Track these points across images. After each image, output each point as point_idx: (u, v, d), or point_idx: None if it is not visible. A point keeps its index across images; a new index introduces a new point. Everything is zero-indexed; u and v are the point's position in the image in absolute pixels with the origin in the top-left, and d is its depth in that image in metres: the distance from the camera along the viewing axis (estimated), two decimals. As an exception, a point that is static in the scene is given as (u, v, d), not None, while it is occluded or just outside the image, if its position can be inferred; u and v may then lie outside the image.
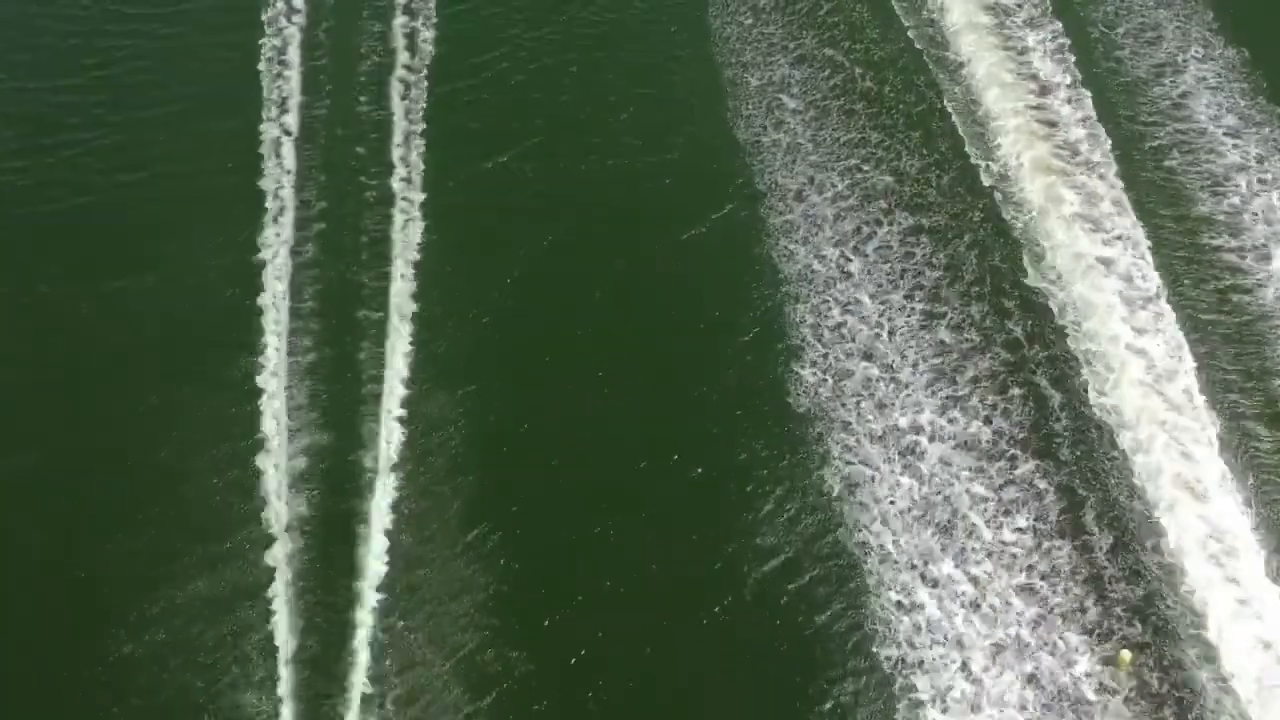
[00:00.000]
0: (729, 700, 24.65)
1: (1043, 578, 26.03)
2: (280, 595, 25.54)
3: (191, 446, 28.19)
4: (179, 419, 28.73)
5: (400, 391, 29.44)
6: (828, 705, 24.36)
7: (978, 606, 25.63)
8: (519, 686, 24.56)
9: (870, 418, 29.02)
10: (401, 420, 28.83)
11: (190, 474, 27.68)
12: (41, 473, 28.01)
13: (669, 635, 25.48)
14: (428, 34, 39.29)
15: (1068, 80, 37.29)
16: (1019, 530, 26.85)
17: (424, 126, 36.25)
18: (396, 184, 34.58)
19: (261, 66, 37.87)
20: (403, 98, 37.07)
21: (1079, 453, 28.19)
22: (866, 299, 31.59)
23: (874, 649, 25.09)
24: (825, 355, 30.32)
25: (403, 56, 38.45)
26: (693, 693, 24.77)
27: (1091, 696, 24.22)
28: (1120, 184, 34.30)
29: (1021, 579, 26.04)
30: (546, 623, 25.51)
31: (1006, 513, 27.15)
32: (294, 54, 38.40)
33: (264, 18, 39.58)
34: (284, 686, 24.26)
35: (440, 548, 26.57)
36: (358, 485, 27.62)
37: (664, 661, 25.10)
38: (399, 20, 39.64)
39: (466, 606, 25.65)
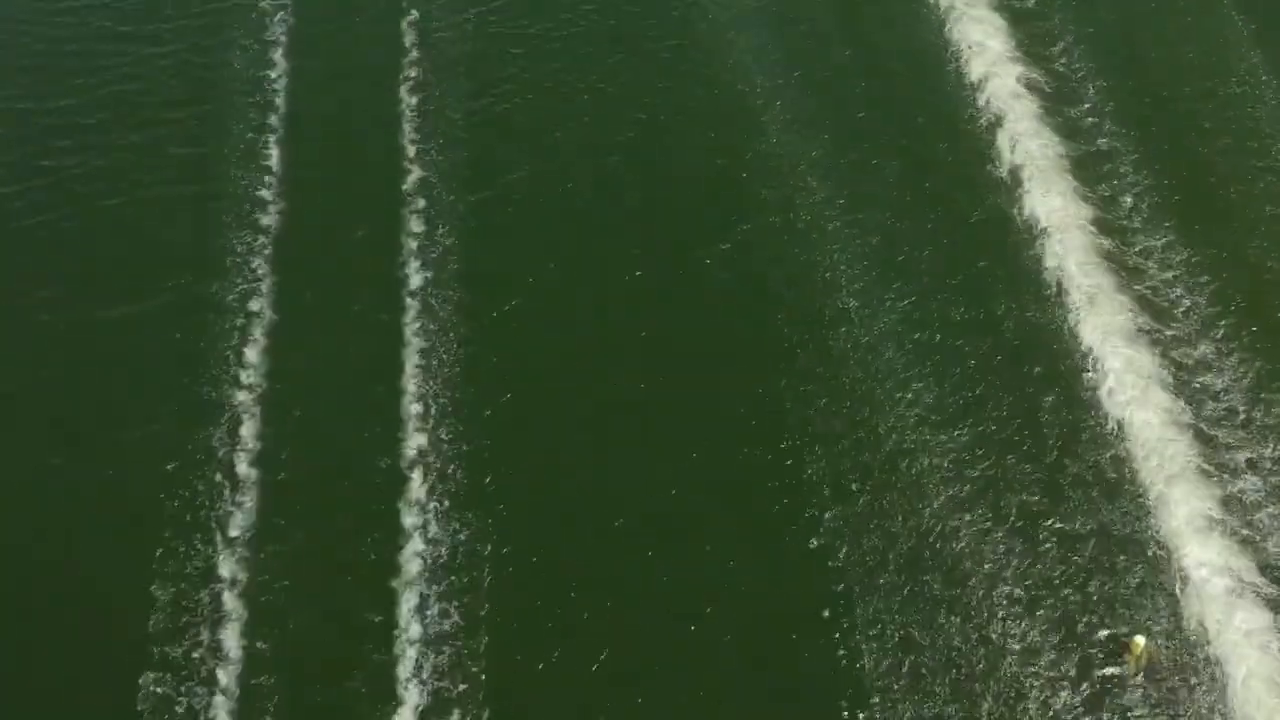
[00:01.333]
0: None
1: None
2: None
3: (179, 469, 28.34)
4: (170, 444, 28.82)
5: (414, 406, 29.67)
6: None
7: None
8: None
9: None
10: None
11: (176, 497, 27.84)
12: (36, 494, 28.10)
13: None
14: (437, 36, 39.59)
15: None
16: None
17: (425, 133, 36.38)
18: (399, 187, 34.86)
19: (257, 82, 38.00)
20: (403, 104, 37.22)
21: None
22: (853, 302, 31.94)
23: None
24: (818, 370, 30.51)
25: (404, 58, 38.70)
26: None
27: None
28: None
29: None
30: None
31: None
32: (290, 66, 38.64)
33: (259, 32, 39.67)
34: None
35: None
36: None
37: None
38: (396, 27, 39.78)
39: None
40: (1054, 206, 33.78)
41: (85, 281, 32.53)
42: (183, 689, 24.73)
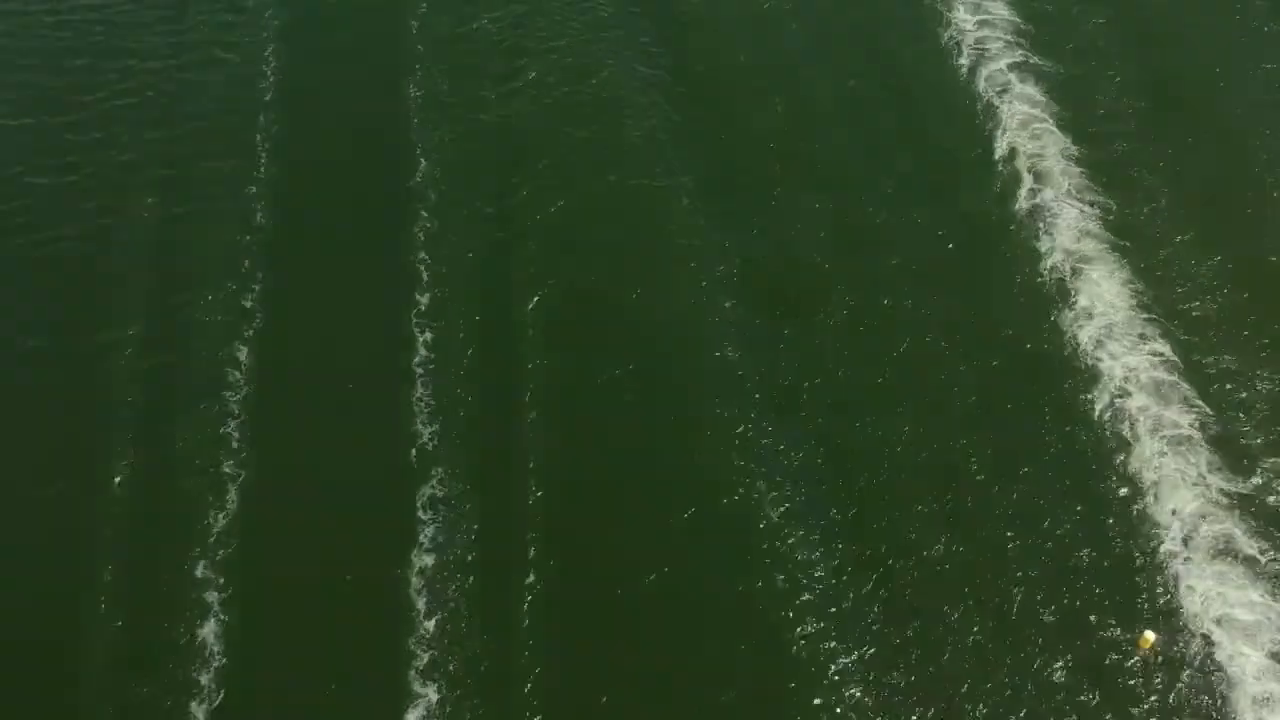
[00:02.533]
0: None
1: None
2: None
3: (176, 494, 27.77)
4: (164, 471, 28.17)
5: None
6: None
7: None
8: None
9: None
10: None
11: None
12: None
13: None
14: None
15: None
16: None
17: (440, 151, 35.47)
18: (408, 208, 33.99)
19: (259, 101, 37.02)
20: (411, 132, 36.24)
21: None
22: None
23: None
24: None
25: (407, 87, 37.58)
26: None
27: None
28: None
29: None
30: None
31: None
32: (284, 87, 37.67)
33: (265, 52, 38.61)
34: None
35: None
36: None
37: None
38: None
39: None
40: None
41: (81, 302, 31.79)
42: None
